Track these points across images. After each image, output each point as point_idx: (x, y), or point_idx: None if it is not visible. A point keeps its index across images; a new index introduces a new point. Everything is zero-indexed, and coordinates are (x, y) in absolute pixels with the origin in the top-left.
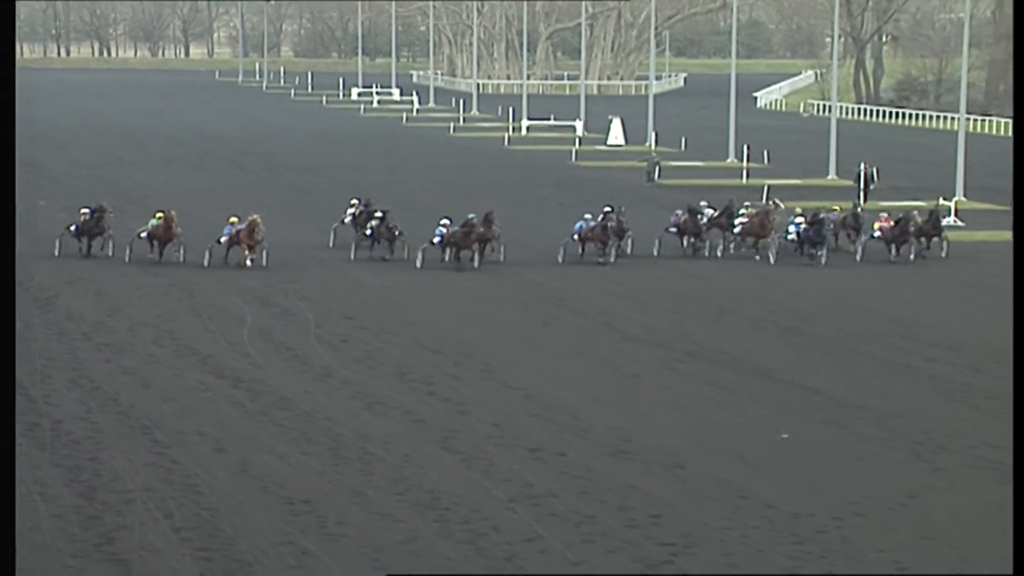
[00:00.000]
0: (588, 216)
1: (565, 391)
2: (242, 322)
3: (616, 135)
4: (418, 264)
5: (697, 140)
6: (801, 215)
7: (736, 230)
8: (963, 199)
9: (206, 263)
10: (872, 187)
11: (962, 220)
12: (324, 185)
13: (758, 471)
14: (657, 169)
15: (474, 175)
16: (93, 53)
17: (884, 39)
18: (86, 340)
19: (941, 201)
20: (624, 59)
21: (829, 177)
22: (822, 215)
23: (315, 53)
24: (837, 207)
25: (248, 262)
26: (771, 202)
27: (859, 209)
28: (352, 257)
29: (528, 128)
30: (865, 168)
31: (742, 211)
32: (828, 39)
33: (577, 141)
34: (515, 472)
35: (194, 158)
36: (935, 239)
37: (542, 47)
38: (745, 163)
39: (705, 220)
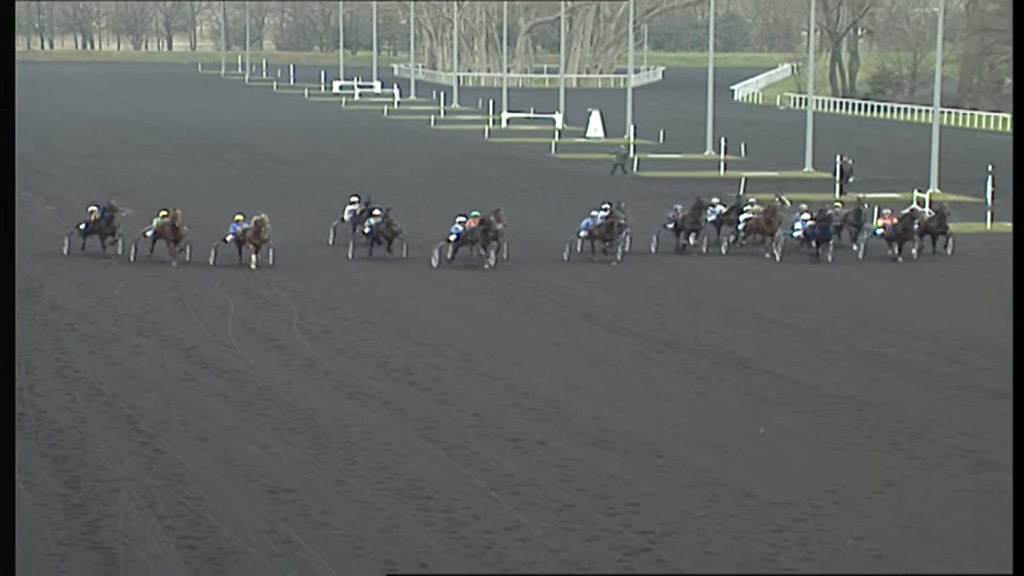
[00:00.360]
0: (595, 213)
1: (545, 381)
2: (225, 313)
3: (595, 128)
4: (434, 263)
5: (675, 133)
6: (807, 212)
7: (741, 226)
8: (937, 191)
9: (212, 262)
10: (851, 180)
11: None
12: (307, 177)
13: (736, 460)
14: (628, 161)
15: (455, 167)
16: (76, 46)
17: (859, 33)
18: (71, 331)
19: (916, 193)
20: (603, 53)
21: (805, 169)
22: (829, 212)
23: (297, 46)
24: (839, 203)
25: (254, 263)
26: (777, 198)
27: (864, 205)
28: (350, 256)
29: (508, 121)
30: (842, 161)
31: (747, 207)
32: (804, 33)
33: (556, 134)
34: (496, 461)
35: (178, 150)
36: (940, 236)
37: (522, 41)
38: (722, 155)
39: (714, 216)
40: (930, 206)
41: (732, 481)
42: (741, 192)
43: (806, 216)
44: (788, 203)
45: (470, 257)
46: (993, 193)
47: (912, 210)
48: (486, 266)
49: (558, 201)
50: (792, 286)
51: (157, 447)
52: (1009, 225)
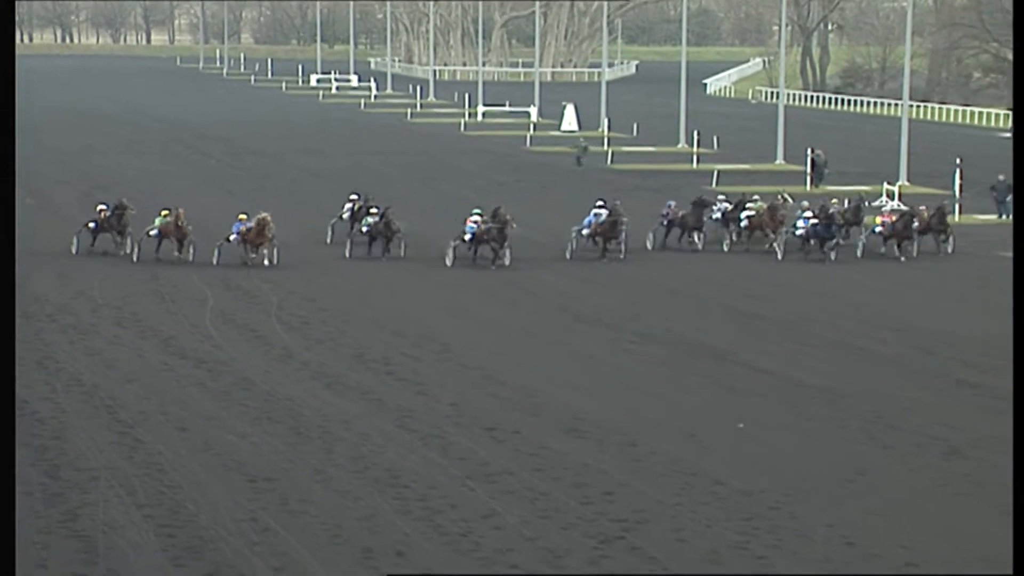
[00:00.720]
0: (597, 211)
1: (521, 371)
2: (204, 304)
3: (570, 121)
4: (448, 262)
5: (648, 126)
6: (810, 210)
7: (742, 224)
8: (906, 184)
9: (215, 261)
10: (826, 172)
11: (906, 205)
12: (285, 170)
13: (709, 449)
14: (587, 155)
15: (431, 161)
16: (56, 40)
17: (830, 27)
18: (50, 321)
19: (886, 186)
20: (577, 47)
21: (777, 162)
22: (831, 210)
23: (275, 40)
24: (835, 200)
25: (263, 260)
26: (779, 196)
27: (864, 203)
28: (347, 255)
29: (484, 114)
30: (814, 154)
31: (749, 205)
32: (775, 27)
33: (531, 127)
34: (471, 450)
35: (157, 144)
36: (940, 234)
37: (497, 35)
38: (695, 148)
39: (720, 214)
40: (900, 198)
41: (704, 470)
42: (713, 184)
43: (808, 214)
44: (792, 200)
45: (482, 256)
46: (961, 186)
47: (911, 208)
48: (504, 264)
49: (534, 194)
50: (785, 283)
51: (137, 436)
52: (978, 217)
